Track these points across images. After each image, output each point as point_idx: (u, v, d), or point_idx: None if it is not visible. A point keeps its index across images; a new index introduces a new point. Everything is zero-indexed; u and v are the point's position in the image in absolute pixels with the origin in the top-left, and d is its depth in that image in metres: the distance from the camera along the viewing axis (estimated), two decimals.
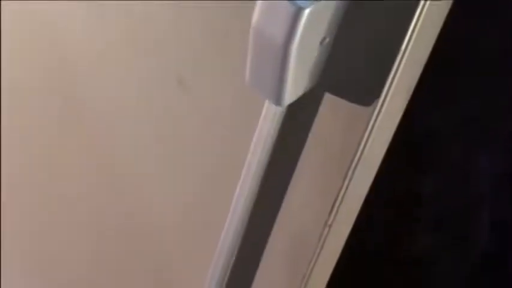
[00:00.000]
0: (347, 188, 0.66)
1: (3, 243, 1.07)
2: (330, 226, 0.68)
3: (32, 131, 0.98)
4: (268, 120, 0.59)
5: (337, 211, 0.67)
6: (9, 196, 1.04)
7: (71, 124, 0.90)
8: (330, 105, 0.63)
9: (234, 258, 0.73)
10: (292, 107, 0.60)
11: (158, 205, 0.85)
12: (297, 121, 0.64)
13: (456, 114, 0.77)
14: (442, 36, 0.56)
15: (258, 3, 0.48)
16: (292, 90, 0.54)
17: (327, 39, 0.52)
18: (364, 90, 0.61)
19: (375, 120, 0.63)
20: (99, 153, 0.88)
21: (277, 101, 0.54)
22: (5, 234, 1.07)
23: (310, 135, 0.65)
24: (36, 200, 1.02)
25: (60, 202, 0.98)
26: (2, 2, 0.89)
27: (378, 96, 0.60)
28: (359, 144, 0.64)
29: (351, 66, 0.58)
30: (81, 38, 0.84)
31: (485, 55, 0.75)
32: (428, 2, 0.50)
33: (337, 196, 0.67)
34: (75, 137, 0.90)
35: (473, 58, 0.75)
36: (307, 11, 0.46)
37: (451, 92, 0.77)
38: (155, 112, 0.79)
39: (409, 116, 0.65)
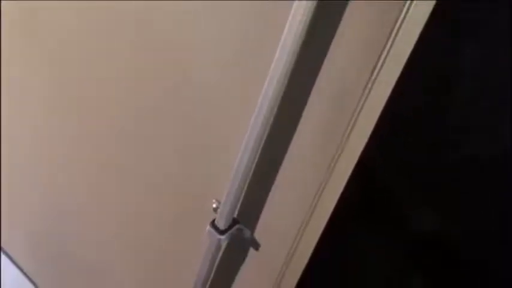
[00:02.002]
0: (392, 44, 0.66)
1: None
2: (373, 82, 0.68)
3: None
4: None
5: (380, 68, 0.67)
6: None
7: None
8: None
9: (274, 114, 0.75)
10: None
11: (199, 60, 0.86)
12: None
13: None
14: None
15: None
16: None
17: None
18: None
19: None
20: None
21: None
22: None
23: None
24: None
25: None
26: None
27: None
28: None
29: None
30: None
31: None
32: None
33: (382, 52, 0.66)
34: None
35: None
36: None
37: None
38: None
39: None
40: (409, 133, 0.86)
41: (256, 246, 0.93)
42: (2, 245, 1.64)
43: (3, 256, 1.64)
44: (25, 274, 1.64)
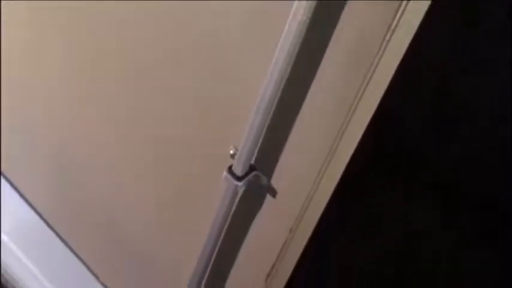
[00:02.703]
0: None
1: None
2: (392, 32, 0.67)
3: None
4: None
5: (398, 21, 0.66)
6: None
7: None
8: None
9: (293, 61, 0.74)
10: None
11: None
12: None
13: None
14: None
15: None
16: None
17: None
18: None
19: None
20: None
21: None
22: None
23: None
24: None
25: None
26: None
27: None
28: None
29: None
30: None
31: None
32: None
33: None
34: None
35: None
36: None
37: None
38: None
39: None
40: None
41: (273, 193, 0.93)
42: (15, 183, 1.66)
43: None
44: (37, 213, 1.66)
